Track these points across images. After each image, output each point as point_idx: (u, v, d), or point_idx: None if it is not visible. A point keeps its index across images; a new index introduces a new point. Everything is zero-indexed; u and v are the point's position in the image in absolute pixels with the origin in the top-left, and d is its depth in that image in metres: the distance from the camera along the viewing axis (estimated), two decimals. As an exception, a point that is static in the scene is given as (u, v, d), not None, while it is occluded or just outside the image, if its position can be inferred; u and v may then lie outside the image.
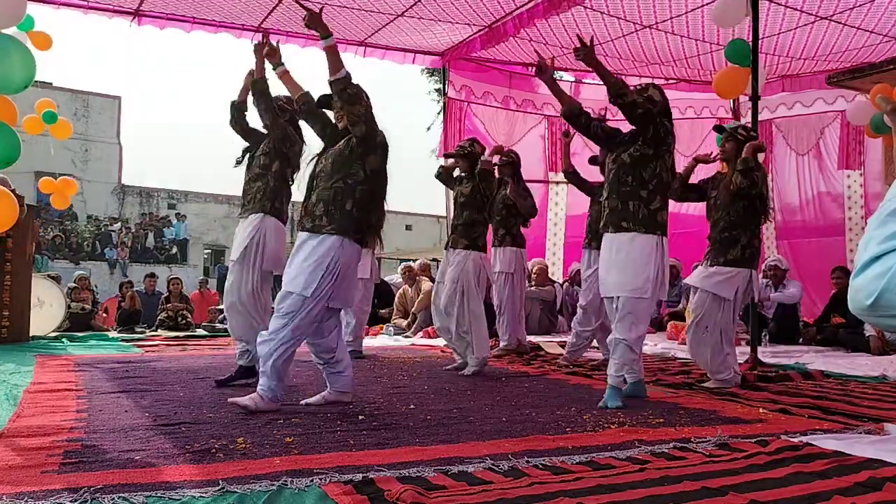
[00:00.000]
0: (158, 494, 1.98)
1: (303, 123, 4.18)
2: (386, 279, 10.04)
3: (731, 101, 8.05)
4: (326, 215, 3.41)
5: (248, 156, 4.39)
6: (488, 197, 5.23)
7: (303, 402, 3.58)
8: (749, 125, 4.62)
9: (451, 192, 5.51)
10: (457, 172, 5.58)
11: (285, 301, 3.35)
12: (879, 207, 1.11)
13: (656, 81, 10.12)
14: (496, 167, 5.94)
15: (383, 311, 9.51)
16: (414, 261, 10.20)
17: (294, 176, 4.27)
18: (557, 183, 10.48)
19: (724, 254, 4.27)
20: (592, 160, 5.62)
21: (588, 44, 3.78)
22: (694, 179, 4.71)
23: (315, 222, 3.42)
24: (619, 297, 3.82)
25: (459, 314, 5.07)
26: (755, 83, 5.64)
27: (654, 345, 7.20)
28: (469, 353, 5.06)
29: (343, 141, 3.53)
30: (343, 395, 3.63)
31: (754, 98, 5.62)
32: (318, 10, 3.55)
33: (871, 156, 9.13)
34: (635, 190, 3.80)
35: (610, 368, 3.84)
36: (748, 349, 5.68)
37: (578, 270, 9.77)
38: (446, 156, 5.28)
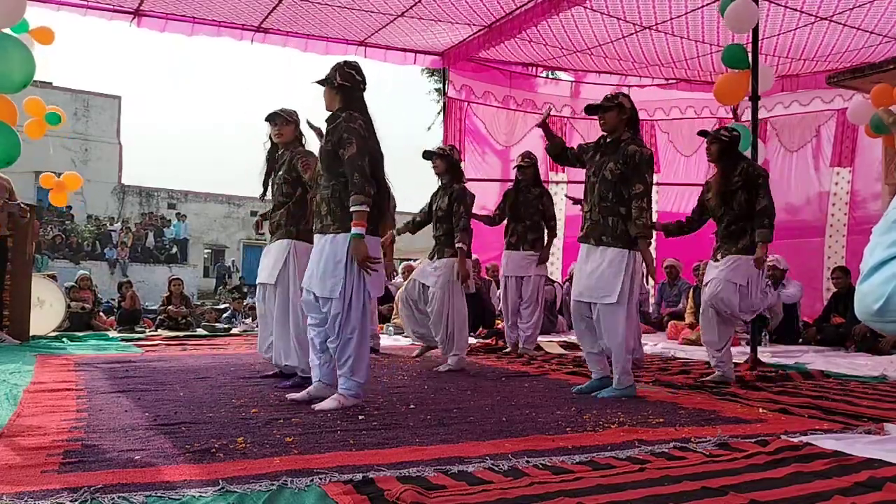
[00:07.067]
0: (158, 494, 1.97)
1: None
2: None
3: (731, 101, 8.03)
4: (330, 214, 3.48)
5: (270, 181, 4.48)
6: (461, 215, 5.23)
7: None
8: (730, 126, 4.71)
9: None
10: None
11: (328, 305, 3.43)
12: (885, 214, 1.11)
13: (657, 82, 10.23)
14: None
15: (381, 307, 9.51)
16: (414, 260, 10.18)
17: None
18: (557, 183, 10.48)
19: (735, 244, 4.41)
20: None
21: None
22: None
23: (322, 223, 3.52)
24: (595, 305, 3.99)
25: (440, 316, 5.25)
26: (755, 83, 5.63)
27: (654, 344, 7.20)
28: (448, 352, 5.24)
29: (325, 140, 3.54)
30: (326, 389, 3.56)
31: (754, 98, 5.62)
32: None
33: (863, 154, 9.08)
34: (615, 206, 3.96)
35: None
36: (748, 349, 5.67)
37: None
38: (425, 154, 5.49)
